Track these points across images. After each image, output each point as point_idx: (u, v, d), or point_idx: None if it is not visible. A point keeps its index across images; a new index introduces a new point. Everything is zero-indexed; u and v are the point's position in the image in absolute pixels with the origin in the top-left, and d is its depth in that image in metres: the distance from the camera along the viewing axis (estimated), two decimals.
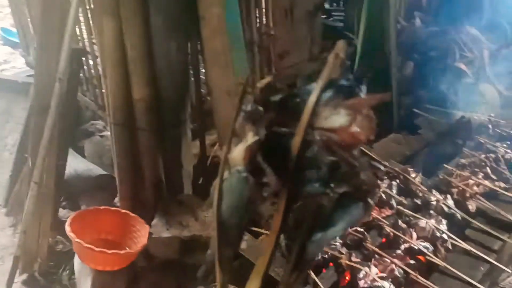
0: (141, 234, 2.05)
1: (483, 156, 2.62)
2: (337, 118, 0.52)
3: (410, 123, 3.03)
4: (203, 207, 2.07)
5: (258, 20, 2.73)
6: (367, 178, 0.54)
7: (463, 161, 2.60)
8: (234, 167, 0.64)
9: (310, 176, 0.53)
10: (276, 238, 0.52)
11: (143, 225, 2.06)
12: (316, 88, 0.53)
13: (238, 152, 0.62)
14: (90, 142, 3.09)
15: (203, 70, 2.17)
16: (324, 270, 2.04)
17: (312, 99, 0.53)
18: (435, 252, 2.05)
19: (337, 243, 2.09)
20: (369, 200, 0.58)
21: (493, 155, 2.62)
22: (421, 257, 2.04)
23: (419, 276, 1.93)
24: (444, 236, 2.12)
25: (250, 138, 0.58)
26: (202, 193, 2.30)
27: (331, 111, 0.53)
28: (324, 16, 3.64)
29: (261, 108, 0.58)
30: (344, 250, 2.07)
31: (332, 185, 0.51)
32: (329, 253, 2.07)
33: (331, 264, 2.06)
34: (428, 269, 2.03)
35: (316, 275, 1.89)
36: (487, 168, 2.55)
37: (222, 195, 0.71)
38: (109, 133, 2.31)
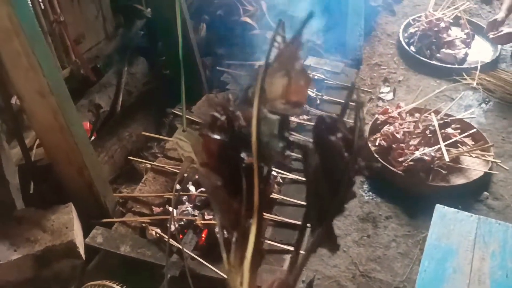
0: None
1: None
2: (277, 83, 0.54)
3: (217, 81, 3.26)
4: (47, 215, 1.98)
5: (42, 7, 2.55)
6: None
7: None
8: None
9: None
10: (259, 214, 0.53)
11: None
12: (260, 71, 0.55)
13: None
14: None
15: None
16: (181, 236, 2.18)
17: (257, 82, 0.54)
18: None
19: (189, 208, 2.24)
20: None
21: None
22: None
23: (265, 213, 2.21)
24: (274, 173, 2.45)
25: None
26: (39, 201, 2.18)
27: (271, 80, 0.54)
28: None
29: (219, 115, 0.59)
30: (196, 212, 2.23)
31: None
32: (184, 220, 2.21)
33: (186, 231, 2.21)
34: (269, 204, 2.35)
35: (179, 243, 2.02)
36: None
37: None
38: None
